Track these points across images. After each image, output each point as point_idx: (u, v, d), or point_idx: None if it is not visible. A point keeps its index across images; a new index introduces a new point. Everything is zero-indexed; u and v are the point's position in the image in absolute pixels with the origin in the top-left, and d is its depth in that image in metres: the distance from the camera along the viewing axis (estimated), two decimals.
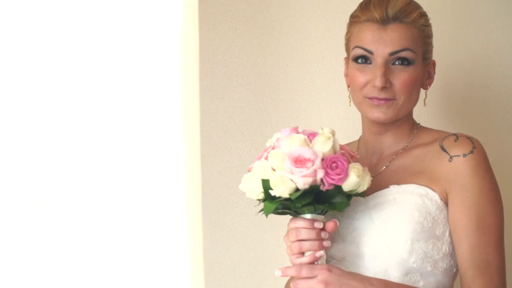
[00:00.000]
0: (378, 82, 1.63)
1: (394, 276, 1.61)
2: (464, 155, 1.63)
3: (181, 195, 2.03)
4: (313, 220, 1.56)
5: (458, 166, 1.63)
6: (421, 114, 2.04)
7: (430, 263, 1.61)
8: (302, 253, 1.58)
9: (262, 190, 1.55)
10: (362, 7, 1.69)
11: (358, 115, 2.05)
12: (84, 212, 1.89)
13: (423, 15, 1.69)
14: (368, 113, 1.67)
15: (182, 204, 2.04)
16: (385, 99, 1.65)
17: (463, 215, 1.62)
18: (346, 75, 1.73)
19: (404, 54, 1.65)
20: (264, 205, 1.56)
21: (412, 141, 1.73)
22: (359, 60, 1.67)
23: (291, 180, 1.52)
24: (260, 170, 1.56)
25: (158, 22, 2.00)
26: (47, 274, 1.76)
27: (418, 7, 1.69)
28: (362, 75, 1.66)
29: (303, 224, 1.56)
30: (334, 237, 1.65)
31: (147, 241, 1.98)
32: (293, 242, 1.56)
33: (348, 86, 1.73)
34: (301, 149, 1.52)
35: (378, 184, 1.68)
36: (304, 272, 1.55)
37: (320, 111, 2.12)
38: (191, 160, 2.07)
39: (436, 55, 1.76)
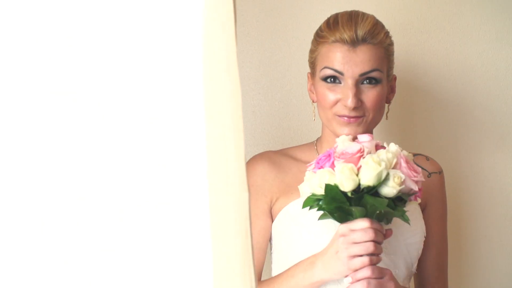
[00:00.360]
0: (351, 103, 1.67)
1: (400, 279, 1.72)
2: (440, 173, 1.86)
3: (191, 199, 2.02)
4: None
5: (435, 182, 1.85)
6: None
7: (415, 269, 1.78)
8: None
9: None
10: (330, 27, 1.72)
11: None
12: (95, 213, 1.86)
13: (388, 35, 1.74)
14: (338, 131, 1.71)
15: (192, 207, 2.02)
16: (356, 117, 1.70)
17: (435, 223, 1.84)
18: (311, 91, 1.78)
19: (373, 74, 1.70)
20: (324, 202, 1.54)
21: None
22: (328, 80, 1.71)
23: (401, 179, 1.53)
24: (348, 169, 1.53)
25: (172, 27, 2.00)
26: (48, 273, 1.73)
27: (383, 26, 1.74)
28: (332, 94, 1.70)
29: (378, 226, 1.55)
30: None
31: (153, 244, 1.95)
32: (366, 241, 1.53)
33: (313, 102, 1.79)
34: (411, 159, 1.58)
35: None
36: (376, 272, 1.55)
37: None
38: (202, 164, 2.05)
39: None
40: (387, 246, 1.69)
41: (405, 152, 1.57)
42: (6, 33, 1.48)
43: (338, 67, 1.69)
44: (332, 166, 1.55)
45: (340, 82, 1.70)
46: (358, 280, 1.53)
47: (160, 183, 1.27)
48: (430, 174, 1.84)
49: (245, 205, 1.10)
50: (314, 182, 1.55)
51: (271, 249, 1.83)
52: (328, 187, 1.52)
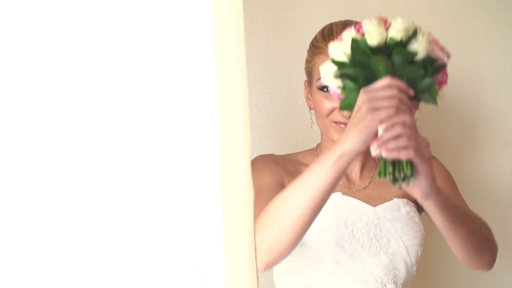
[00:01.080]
0: (347, 112, 1.68)
1: (400, 281, 1.75)
2: (433, 157, 1.86)
3: (198, 199, 2.02)
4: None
5: (433, 164, 1.82)
6: None
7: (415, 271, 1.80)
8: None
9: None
10: (325, 38, 1.74)
11: None
12: (95, 212, 1.86)
13: None
14: (335, 136, 1.73)
15: (198, 208, 2.02)
16: None
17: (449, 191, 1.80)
18: (308, 98, 1.80)
19: None
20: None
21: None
22: (325, 89, 1.72)
23: (430, 37, 1.43)
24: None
25: (176, 26, 2.00)
26: (52, 273, 1.73)
27: None
28: (328, 103, 1.72)
29: (402, 85, 1.39)
30: (352, 243, 1.73)
31: (158, 243, 1.96)
32: (393, 98, 1.38)
33: (311, 109, 1.81)
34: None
35: (371, 197, 1.80)
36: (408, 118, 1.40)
37: None
38: (208, 163, 2.06)
39: None
40: (387, 248, 1.72)
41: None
42: (6, 33, 1.48)
43: None
44: (360, 27, 1.44)
45: None
46: (393, 125, 1.37)
47: (172, 183, 1.27)
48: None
49: (251, 204, 1.10)
50: (338, 48, 1.43)
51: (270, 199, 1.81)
52: (354, 42, 1.41)
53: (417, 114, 1.48)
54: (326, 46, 1.70)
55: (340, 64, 1.43)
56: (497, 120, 2.21)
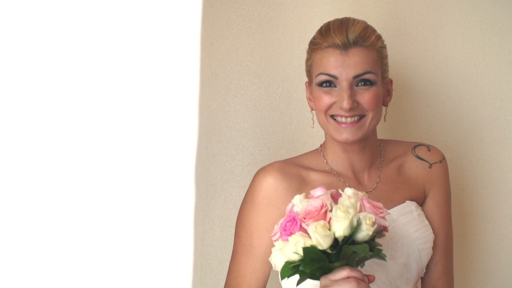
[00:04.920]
0: (346, 104, 1.71)
1: (412, 283, 1.78)
2: (440, 161, 1.88)
3: (192, 193, 2.02)
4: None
5: (437, 170, 1.88)
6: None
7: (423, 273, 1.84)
8: None
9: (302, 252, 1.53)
10: (323, 34, 1.75)
11: None
12: (95, 211, 1.86)
13: (380, 38, 1.78)
14: (336, 136, 1.75)
15: (192, 202, 2.03)
16: (352, 123, 1.73)
17: (441, 208, 1.87)
18: (310, 99, 1.82)
19: (366, 76, 1.73)
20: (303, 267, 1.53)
21: (384, 154, 1.86)
22: (324, 85, 1.74)
23: (372, 219, 1.53)
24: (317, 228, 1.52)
25: (172, 22, 2.00)
26: (50, 273, 1.73)
27: (374, 30, 1.77)
28: (327, 97, 1.73)
29: (358, 274, 1.53)
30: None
31: (157, 239, 1.96)
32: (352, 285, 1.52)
33: (312, 109, 1.82)
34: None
35: (382, 199, 1.79)
36: None
37: None
38: (203, 158, 2.06)
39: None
40: (402, 251, 1.73)
41: (360, 193, 1.58)
42: (6, 33, 1.48)
43: (332, 71, 1.73)
44: (301, 229, 1.53)
45: (335, 86, 1.74)
46: None
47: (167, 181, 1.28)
48: (431, 165, 1.87)
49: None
50: (289, 249, 1.52)
51: (263, 257, 1.78)
52: (306, 250, 1.51)
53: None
54: (324, 42, 1.74)
55: (292, 267, 1.53)
56: (493, 114, 2.21)
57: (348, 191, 1.56)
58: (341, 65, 1.72)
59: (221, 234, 2.09)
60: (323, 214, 1.53)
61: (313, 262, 1.51)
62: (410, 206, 1.81)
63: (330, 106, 1.73)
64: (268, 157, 2.10)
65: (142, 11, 1.95)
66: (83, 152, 1.85)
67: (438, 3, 2.19)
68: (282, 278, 1.54)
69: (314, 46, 1.76)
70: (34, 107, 1.76)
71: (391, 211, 1.77)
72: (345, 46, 1.72)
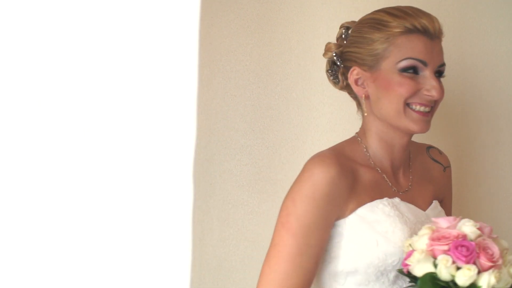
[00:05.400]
0: (437, 93, 1.67)
1: None
2: (449, 166, 1.88)
3: (190, 193, 2.02)
4: None
5: (448, 174, 1.87)
6: None
7: None
8: None
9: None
10: (400, 16, 1.68)
11: None
12: (94, 211, 1.86)
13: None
14: (411, 125, 1.68)
15: (191, 202, 2.03)
16: (429, 112, 1.69)
17: (448, 212, 1.86)
18: (361, 85, 1.72)
19: (443, 68, 1.72)
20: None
21: (411, 153, 1.83)
22: (409, 70, 1.67)
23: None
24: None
25: (171, 22, 2.00)
26: (50, 273, 1.73)
27: None
28: (413, 83, 1.67)
29: None
30: None
31: (155, 239, 1.96)
32: None
33: (364, 97, 1.73)
34: None
35: (415, 199, 1.75)
36: None
37: (332, 110, 2.13)
38: (202, 157, 2.06)
39: None
40: None
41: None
42: (6, 33, 1.48)
43: (421, 57, 1.67)
44: (473, 262, 1.52)
45: (418, 73, 1.68)
46: None
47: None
48: (445, 168, 1.86)
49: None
50: (450, 270, 1.51)
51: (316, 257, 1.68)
52: (426, 277, 1.51)
53: None
54: (411, 25, 1.66)
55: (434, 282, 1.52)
56: (492, 114, 2.21)
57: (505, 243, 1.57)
58: (430, 52, 1.67)
59: (219, 234, 2.09)
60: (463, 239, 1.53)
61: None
62: (437, 206, 1.79)
63: (414, 93, 1.67)
64: (267, 156, 2.10)
65: (140, 11, 1.95)
66: (80, 152, 1.85)
67: (438, 3, 2.19)
68: (420, 286, 1.52)
69: (394, 29, 1.67)
70: (31, 106, 1.75)
71: (427, 212, 1.74)
72: (432, 35, 1.68)
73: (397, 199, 1.70)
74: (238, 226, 2.10)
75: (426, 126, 1.68)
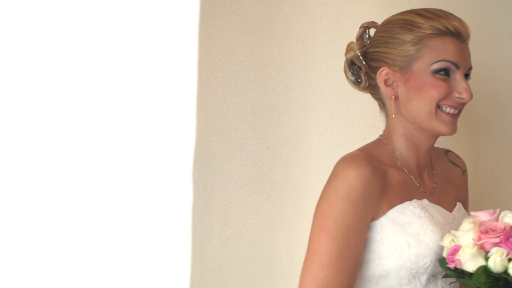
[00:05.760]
0: (467, 95, 1.68)
1: None
2: (466, 170, 1.88)
3: (190, 193, 2.02)
4: None
5: (466, 178, 1.87)
6: None
7: None
8: None
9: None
10: (432, 18, 1.69)
11: (370, 114, 2.07)
12: (94, 211, 1.86)
13: None
14: (441, 127, 1.68)
15: (191, 202, 2.02)
16: (456, 115, 1.70)
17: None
18: (390, 86, 1.71)
19: (470, 71, 1.73)
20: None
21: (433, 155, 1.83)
22: (442, 72, 1.68)
23: None
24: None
25: (171, 22, 2.00)
26: (50, 273, 1.73)
27: None
28: (446, 85, 1.68)
29: None
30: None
31: (155, 239, 1.95)
32: None
33: (393, 98, 1.71)
34: None
35: (440, 200, 1.74)
36: None
37: (332, 110, 2.13)
38: (202, 157, 2.06)
39: None
40: None
41: None
42: (6, 33, 1.47)
43: (454, 59, 1.68)
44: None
45: (449, 75, 1.69)
46: None
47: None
48: (464, 172, 1.87)
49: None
50: (503, 262, 1.53)
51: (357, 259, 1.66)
52: (479, 270, 1.53)
53: None
54: (444, 28, 1.67)
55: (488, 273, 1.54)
56: (492, 113, 2.21)
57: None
58: (461, 55, 1.68)
59: (220, 234, 2.09)
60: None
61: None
62: (461, 208, 1.78)
63: (447, 95, 1.67)
64: (267, 156, 2.10)
65: (140, 11, 1.95)
66: (80, 151, 1.85)
67: (437, 3, 2.19)
68: (476, 279, 1.53)
69: (429, 30, 1.68)
70: (30, 106, 1.75)
71: (453, 213, 1.73)
72: (463, 37, 1.69)
73: (425, 201, 1.70)
74: (238, 226, 2.09)
75: (454, 128, 1.69)
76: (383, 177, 1.65)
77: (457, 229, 1.64)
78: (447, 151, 1.87)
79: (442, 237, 1.63)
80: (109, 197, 1.90)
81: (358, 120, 2.13)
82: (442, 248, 1.63)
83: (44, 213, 1.77)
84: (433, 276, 1.65)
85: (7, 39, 1.61)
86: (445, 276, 1.62)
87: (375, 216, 1.64)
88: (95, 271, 1.88)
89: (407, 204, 1.66)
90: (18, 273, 1.60)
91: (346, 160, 1.64)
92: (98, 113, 1.90)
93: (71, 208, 1.85)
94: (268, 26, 2.11)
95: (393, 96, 1.71)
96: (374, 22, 1.78)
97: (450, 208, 1.75)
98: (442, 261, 1.61)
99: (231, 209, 2.08)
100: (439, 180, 1.79)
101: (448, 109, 1.68)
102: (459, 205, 1.78)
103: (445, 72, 1.68)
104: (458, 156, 1.89)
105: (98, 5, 1.85)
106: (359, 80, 1.78)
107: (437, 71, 1.67)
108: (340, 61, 2.04)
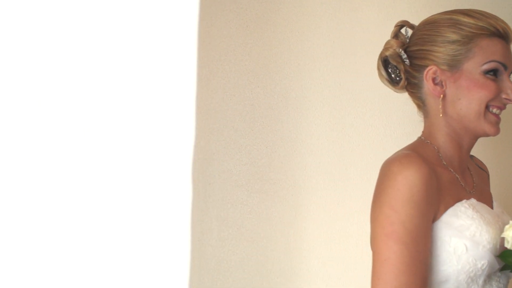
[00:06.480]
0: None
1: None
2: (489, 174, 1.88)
3: (189, 193, 2.02)
4: None
5: (489, 183, 1.86)
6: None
7: None
8: None
9: None
10: (480, 18, 1.69)
11: (369, 114, 2.08)
12: (92, 211, 1.86)
13: None
14: (488, 128, 1.68)
15: (190, 201, 2.02)
16: (498, 116, 1.70)
17: None
18: (438, 84, 1.69)
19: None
20: None
21: None
22: (491, 73, 1.68)
23: None
24: None
25: (171, 21, 2.00)
26: (49, 273, 1.73)
27: None
28: (496, 86, 1.67)
29: None
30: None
31: (154, 239, 1.96)
32: None
33: (443, 96, 1.69)
34: None
35: (483, 198, 1.74)
36: None
37: (331, 110, 2.13)
38: (201, 157, 2.06)
39: None
40: None
41: None
42: (6, 33, 1.47)
43: (503, 60, 1.69)
44: None
45: (497, 76, 1.69)
46: None
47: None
48: (488, 176, 1.87)
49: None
50: None
51: (427, 262, 1.62)
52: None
53: None
54: (493, 28, 1.67)
55: None
56: None
57: None
58: (508, 56, 1.69)
59: (218, 234, 2.09)
60: None
61: None
62: (499, 205, 1.78)
63: (496, 95, 1.67)
64: (266, 156, 2.10)
65: (139, 11, 1.95)
66: (78, 151, 1.85)
67: (436, 3, 2.19)
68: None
69: (480, 31, 1.68)
70: (29, 106, 1.75)
71: (495, 211, 1.73)
72: (509, 39, 1.71)
73: (474, 200, 1.68)
74: (237, 226, 2.10)
75: (499, 129, 1.69)
76: (436, 177, 1.62)
77: (503, 226, 1.64)
78: (471, 156, 1.86)
79: (495, 236, 1.62)
80: (107, 196, 1.90)
81: (357, 120, 2.13)
82: (496, 247, 1.62)
83: (44, 213, 1.77)
84: (488, 277, 1.64)
85: (7, 39, 1.61)
86: (503, 269, 1.61)
87: (435, 217, 1.62)
88: (93, 271, 1.88)
89: (458, 205, 1.64)
90: (17, 273, 1.60)
91: (403, 160, 1.59)
92: (96, 113, 1.90)
93: (69, 207, 1.85)
94: (267, 26, 2.12)
95: (441, 95, 1.69)
96: (407, 21, 1.77)
97: (491, 206, 1.75)
98: (505, 254, 1.59)
99: (230, 208, 2.08)
100: (477, 179, 1.78)
101: (495, 110, 1.68)
102: (496, 202, 1.77)
103: (494, 73, 1.68)
104: (481, 162, 1.89)
105: (96, 4, 1.85)
106: (397, 79, 1.75)
107: (487, 72, 1.67)
108: (338, 60, 2.05)
